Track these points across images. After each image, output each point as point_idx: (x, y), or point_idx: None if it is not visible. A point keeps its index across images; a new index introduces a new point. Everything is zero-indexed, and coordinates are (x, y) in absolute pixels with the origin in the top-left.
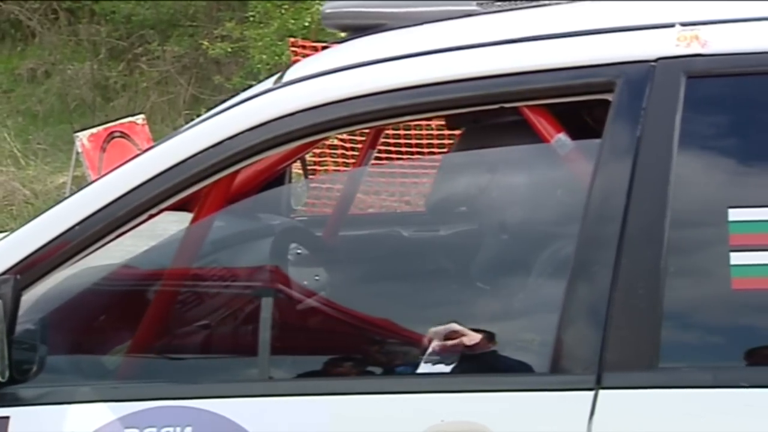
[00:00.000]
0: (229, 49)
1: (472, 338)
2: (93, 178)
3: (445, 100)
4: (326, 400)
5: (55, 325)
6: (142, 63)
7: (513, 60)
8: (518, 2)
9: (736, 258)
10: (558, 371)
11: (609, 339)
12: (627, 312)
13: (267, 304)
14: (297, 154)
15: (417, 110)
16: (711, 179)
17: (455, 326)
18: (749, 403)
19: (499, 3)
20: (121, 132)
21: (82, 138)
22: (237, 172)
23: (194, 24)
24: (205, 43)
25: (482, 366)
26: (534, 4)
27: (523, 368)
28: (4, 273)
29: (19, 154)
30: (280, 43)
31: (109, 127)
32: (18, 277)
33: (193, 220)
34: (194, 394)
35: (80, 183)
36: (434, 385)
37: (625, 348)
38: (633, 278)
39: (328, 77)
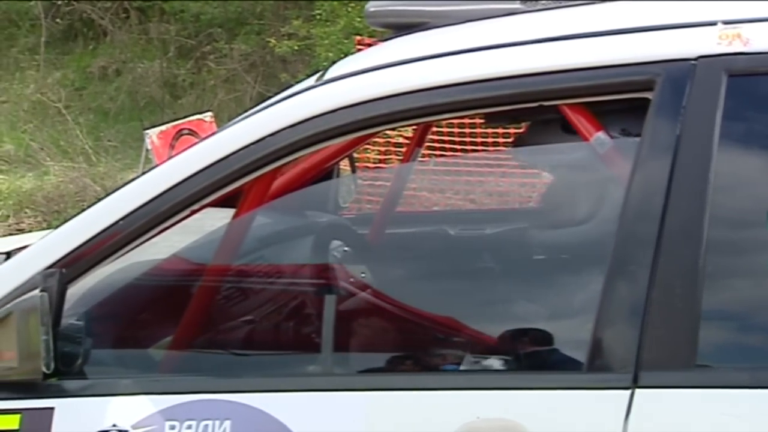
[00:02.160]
0: (296, 47)
1: None
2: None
3: (484, 98)
4: (363, 396)
5: (101, 319)
6: (210, 61)
7: (554, 58)
8: (562, 1)
9: None
10: (595, 369)
11: (646, 338)
12: (664, 311)
13: (310, 301)
14: (345, 151)
15: (456, 108)
16: (751, 179)
17: None
18: None
19: (543, 1)
20: (190, 129)
21: (152, 135)
22: (278, 168)
23: (261, 22)
24: (272, 41)
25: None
26: (577, 2)
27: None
28: (50, 267)
29: (90, 151)
30: (346, 41)
31: (177, 125)
32: (63, 270)
33: (235, 216)
34: (234, 388)
35: None
36: (471, 382)
37: (662, 347)
38: (671, 277)
39: (367, 75)
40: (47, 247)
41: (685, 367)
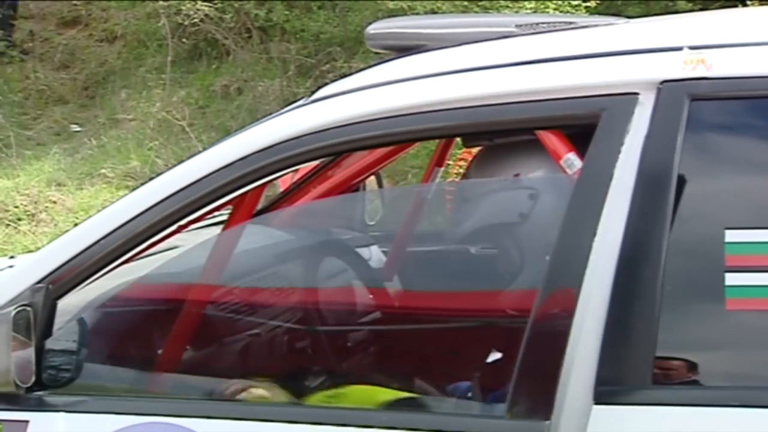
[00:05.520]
0: None
1: None
2: (282, 189)
3: (459, 124)
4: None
5: (90, 335)
6: (329, 80)
7: (523, 82)
8: (555, 24)
9: (731, 279)
10: None
11: (605, 355)
12: (622, 330)
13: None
14: (373, 168)
15: (413, 135)
16: (710, 199)
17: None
18: (737, 422)
19: (543, 24)
20: None
21: None
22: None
23: None
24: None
25: None
26: (569, 26)
27: None
28: (39, 282)
29: None
30: None
31: None
32: (50, 286)
33: (221, 233)
34: (191, 412)
35: (271, 194)
36: (400, 422)
37: (620, 365)
38: (629, 297)
39: (336, 99)
40: (37, 262)
41: (642, 386)
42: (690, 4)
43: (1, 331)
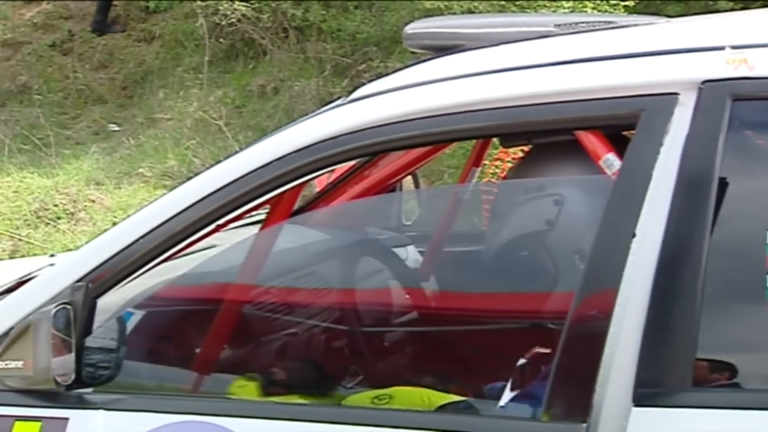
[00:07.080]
0: None
1: None
2: (318, 189)
3: (497, 124)
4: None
5: (132, 334)
6: (365, 79)
7: (562, 82)
8: (595, 24)
9: None
10: None
11: (645, 358)
12: (662, 332)
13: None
14: (410, 168)
15: (453, 136)
16: (751, 201)
17: None
18: None
19: (583, 24)
20: None
21: None
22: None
23: None
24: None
25: None
26: (609, 26)
27: None
28: (79, 281)
29: None
30: None
31: None
32: (90, 285)
33: (258, 233)
34: (228, 411)
35: (307, 193)
36: (430, 422)
37: (660, 367)
38: (669, 298)
39: (370, 100)
40: (77, 261)
41: (682, 388)
42: (731, 3)
43: (42, 328)
